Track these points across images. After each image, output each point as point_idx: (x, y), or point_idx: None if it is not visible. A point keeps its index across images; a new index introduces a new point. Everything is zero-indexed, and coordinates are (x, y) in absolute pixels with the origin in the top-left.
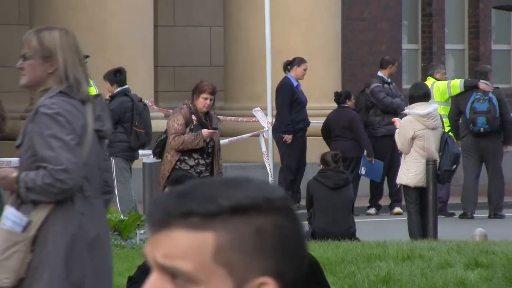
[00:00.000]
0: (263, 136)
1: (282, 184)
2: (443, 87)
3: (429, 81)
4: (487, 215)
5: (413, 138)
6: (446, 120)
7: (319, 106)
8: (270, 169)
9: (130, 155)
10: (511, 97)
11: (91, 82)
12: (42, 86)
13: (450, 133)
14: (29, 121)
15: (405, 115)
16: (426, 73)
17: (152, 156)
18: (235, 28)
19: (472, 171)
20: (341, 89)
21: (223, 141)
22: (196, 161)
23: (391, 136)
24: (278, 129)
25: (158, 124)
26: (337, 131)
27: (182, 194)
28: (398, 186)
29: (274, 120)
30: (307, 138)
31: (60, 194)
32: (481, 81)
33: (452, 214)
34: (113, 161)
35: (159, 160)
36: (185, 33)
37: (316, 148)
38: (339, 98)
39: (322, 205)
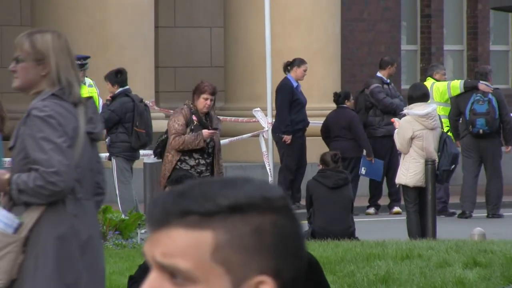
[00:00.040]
0: (263, 136)
1: (281, 184)
2: (443, 88)
3: (429, 82)
4: (486, 215)
5: (412, 138)
6: (445, 120)
7: (319, 106)
8: (270, 169)
9: (131, 155)
10: (509, 98)
11: (92, 82)
12: (35, 89)
13: (449, 133)
14: (21, 123)
15: (404, 115)
16: (425, 74)
17: (153, 156)
18: (235, 29)
19: (471, 171)
20: (340, 89)
21: (223, 141)
22: (197, 161)
23: (390, 136)
24: (277, 130)
25: (158, 125)
26: (336, 131)
27: (181, 193)
28: (397, 186)
29: (274, 120)
30: (307, 138)
31: (52, 196)
32: (481, 82)
33: (453, 214)
34: (114, 161)
35: (160, 160)
36: (185, 34)
37: (315, 148)
38: (338, 98)
39: (322, 205)
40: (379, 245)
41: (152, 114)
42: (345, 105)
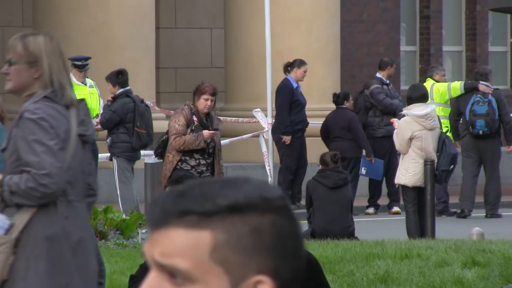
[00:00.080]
0: (263, 136)
1: (281, 184)
2: (443, 89)
3: (429, 83)
4: (484, 215)
5: (411, 139)
6: (445, 121)
7: (318, 107)
8: (270, 169)
9: (132, 156)
10: (508, 98)
11: (93, 83)
12: (27, 91)
13: (448, 134)
14: (13, 125)
15: (403, 116)
16: (425, 75)
17: (153, 156)
18: (236, 30)
19: (471, 171)
20: (340, 90)
21: (223, 142)
22: (197, 161)
23: (390, 136)
24: (277, 130)
25: (159, 125)
26: (336, 132)
27: (180, 193)
28: (397, 186)
29: (273, 121)
30: (307, 138)
31: (43, 198)
32: (481, 82)
33: (455, 213)
34: (115, 161)
35: (161, 160)
36: (186, 35)
37: (315, 149)
38: (337, 99)
39: (322, 205)
40: (379, 244)
41: (153, 115)
42: (344, 106)
